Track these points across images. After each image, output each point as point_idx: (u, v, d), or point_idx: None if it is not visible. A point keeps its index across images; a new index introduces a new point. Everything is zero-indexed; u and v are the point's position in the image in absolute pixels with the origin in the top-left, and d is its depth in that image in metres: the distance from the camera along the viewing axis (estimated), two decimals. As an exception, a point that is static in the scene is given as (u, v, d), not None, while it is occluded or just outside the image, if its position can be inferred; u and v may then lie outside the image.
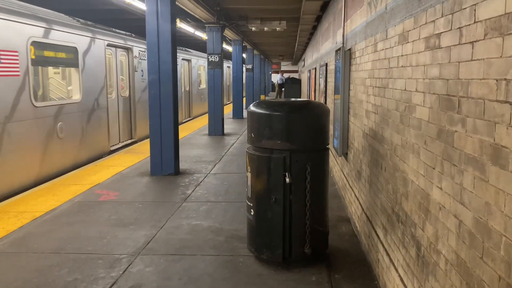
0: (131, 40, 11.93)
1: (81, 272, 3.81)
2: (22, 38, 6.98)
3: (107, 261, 4.05)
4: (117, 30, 11.53)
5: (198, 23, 12.11)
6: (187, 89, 18.04)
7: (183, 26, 11.89)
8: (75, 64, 8.78)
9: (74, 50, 8.71)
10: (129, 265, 3.96)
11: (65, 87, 9.24)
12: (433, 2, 2.40)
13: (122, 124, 11.37)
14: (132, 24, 13.65)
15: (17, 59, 6.82)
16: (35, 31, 7.34)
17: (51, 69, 8.72)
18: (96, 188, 6.62)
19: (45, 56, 7.87)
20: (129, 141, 11.57)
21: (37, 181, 7.28)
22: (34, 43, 7.28)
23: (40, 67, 7.92)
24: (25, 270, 3.85)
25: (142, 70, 12.25)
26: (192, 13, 10.37)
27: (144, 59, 12.03)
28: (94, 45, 9.53)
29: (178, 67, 15.92)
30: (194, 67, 18.73)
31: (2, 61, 6.49)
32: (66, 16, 8.93)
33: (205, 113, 17.02)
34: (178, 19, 10.22)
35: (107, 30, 10.65)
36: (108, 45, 10.31)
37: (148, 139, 7.67)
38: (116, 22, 13.23)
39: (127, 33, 12.23)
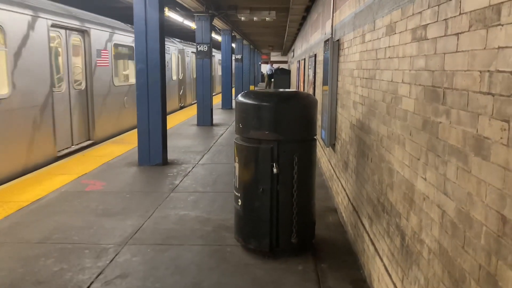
0: (90, 21, 9.84)
1: (68, 262, 3.80)
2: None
3: (93, 251, 4.03)
4: (72, 8, 9.51)
5: (187, 12, 12.00)
6: (180, 77, 18.28)
7: (171, 15, 11.77)
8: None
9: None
10: (116, 255, 3.95)
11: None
12: (420, -7, 2.40)
13: (75, 122, 9.31)
14: (121, 13, 13.47)
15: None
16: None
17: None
18: (83, 178, 6.58)
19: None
20: (86, 143, 9.54)
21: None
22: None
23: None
24: (11, 260, 3.82)
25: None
26: (180, 2, 10.27)
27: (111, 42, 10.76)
28: (30, 26, 7.46)
29: (169, 56, 16.14)
30: (187, 56, 18.95)
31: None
32: None
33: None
34: (166, 7, 10.11)
35: (54, 6, 8.51)
36: (54, 25, 8.27)
37: (110, 140, 8.06)
38: (104, 10, 13.04)
39: (88, 13, 10.25)
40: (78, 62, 9.49)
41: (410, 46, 2.57)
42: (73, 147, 9.09)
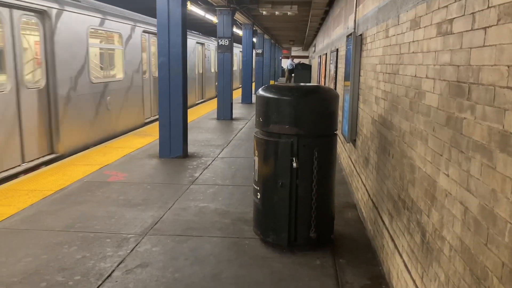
0: None
1: (90, 250, 3.89)
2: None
3: (115, 240, 4.11)
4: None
5: (209, 6, 12.04)
6: (200, 71, 18.52)
7: (193, 9, 11.83)
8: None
9: None
10: (136, 245, 4.02)
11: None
12: (446, -13, 2.36)
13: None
14: (145, 6, 13.59)
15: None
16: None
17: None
18: (105, 169, 6.69)
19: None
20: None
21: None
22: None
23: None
24: (36, 247, 3.93)
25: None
26: (203, -4, 10.31)
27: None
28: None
29: (190, 49, 16.19)
30: (207, 50, 19.27)
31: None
32: None
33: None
34: (188, 1, 10.16)
35: None
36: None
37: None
38: (129, 4, 13.18)
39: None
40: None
41: (435, 40, 2.53)
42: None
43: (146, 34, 11.98)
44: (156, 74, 12.22)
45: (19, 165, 6.84)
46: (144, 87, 11.74)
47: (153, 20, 11.76)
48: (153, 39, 12.40)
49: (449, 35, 2.30)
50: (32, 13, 7.10)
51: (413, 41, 3.01)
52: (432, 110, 2.55)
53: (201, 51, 18.55)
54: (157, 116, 11.83)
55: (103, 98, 9.43)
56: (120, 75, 10.40)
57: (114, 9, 10.18)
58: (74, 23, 8.12)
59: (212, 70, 20.41)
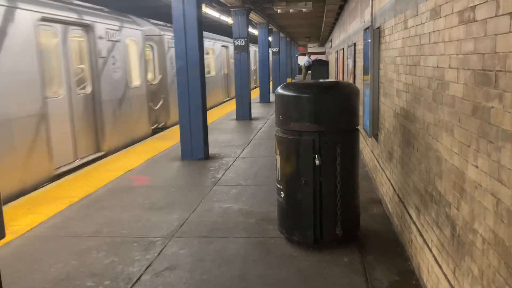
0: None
1: (118, 255, 3.94)
2: None
3: (142, 244, 4.16)
4: None
5: (224, 7, 12.07)
6: (226, 72, 19.57)
7: (208, 11, 11.87)
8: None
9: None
10: (163, 248, 4.06)
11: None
12: (467, -27, 2.30)
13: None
14: (162, 11, 13.72)
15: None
16: None
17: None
18: (129, 173, 6.78)
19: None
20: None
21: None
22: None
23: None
24: (65, 253, 4.01)
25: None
26: (217, -2, 10.34)
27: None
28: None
29: (218, 53, 17.90)
30: (231, 52, 20.17)
31: None
32: None
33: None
34: (203, 4, 10.21)
35: None
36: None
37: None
38: (144, 9, 13.33)
39: None
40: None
41: (457, 29, 2.47)
42: None
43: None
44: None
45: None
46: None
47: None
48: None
49: (472, 23, 2.25)
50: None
51: (434, 31, 2.95)
52: (457, 101, 2.50)
53: (226, 53, 19.54)
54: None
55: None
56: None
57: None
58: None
59: None
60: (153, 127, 11.23)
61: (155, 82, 11.65)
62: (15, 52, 6.16)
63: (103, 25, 8.55)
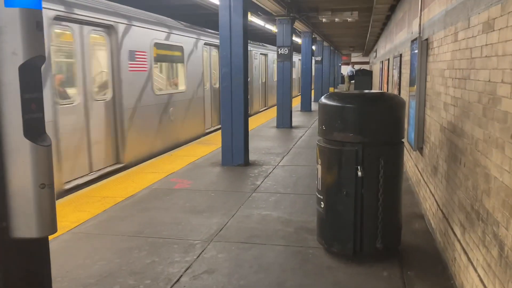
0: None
1: (158, 255, 4.04)
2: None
3: (182, 246, 4.25)
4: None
5: (269, 16, 12.18)
6: (263, 81, 19.18)
7: (254, 19, 12.02)
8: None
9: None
10: (202, 251, 4.13)
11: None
12: (524, -13, 2.24)
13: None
14: (206, 19, 14.02)
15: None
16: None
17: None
18: (171, 176, 6.94)
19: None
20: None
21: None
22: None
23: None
24: (109, 251, 4.15)
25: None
26: (263, 6, 10.45)
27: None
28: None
29: (256, 61, 17.53)
30: (270, 60, 19.93)
31: None
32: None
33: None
34: (249, 12, 10.35)
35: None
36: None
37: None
38: (190, 17, 13.66)
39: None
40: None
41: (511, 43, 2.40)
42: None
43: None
44: (216, 85, 12.75)
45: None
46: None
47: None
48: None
49: (528, 38, 2.18)
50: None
51: (486, 45, 2.88)
52: (509, 117, 2.42)
53: (264, 61, 19.30)
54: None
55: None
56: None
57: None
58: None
59: (274, 79, 20.59)
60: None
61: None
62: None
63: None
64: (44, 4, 5.93)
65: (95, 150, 7.24)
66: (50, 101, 6.03)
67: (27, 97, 2.02)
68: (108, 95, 7.71)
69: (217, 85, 12.80)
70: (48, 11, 6.07)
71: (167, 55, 10.16)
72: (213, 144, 9.75)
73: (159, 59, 9.56)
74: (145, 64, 8.73)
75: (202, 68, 11.57)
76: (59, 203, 5.54)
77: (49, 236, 2.19)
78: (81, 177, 6.84)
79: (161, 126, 9.39)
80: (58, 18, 6.31)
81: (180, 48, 10.35)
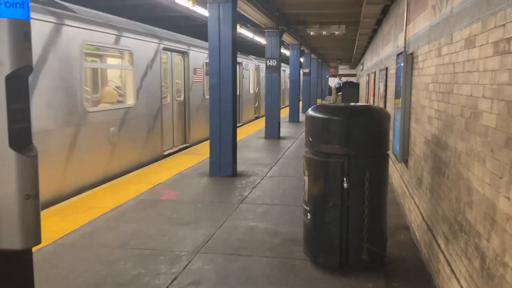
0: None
1: (144, 267, 4.01)
2: None
3: (168, 257, 4.23)
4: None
5: (257, 28, 12.29)
6: (256, 91, 19.73)
7: (243, 31, 12.12)
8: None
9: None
10: (188, 262, 4.11)
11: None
12: (503, 5, 2.32)
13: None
14: (194, 30, 14.10)
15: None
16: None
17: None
18: (158, 187, 6.91)
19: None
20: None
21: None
22: None
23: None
24: (94, 263, 4.11)
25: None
26: (251, 19, 10.55)
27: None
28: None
29: (248, 72, 18.05)
30: (262, 71, 20.30)
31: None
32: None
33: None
34: (238, 24, 10.44)
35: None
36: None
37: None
38: (178, 28, 13.72)
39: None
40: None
41: (492, 60, 2.48)
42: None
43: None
44: (181, 98, 11.10)
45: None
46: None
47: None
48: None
49: (507, 54, 2.25)
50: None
51: (468, 60, 2.96)
52: (490, 131, 2.48)
53: (257, 73, 19.80)
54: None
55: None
56: (130, 101, 11.47)
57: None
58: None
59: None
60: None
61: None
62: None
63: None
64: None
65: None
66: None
67: (14, 107, 2.01)
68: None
69: (181, 98, 11.06)
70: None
71: (105, 62, 9.28)
72: (201, 154, 9.74)
73: (92, 65, 8.33)
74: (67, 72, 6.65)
75: (159, 78, 9.57)
76: (43, 213, 5.48)
77: (33, 248, 2.17)
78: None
79: (95, 150, 7.33)
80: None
81: (128, 54, 8.45)
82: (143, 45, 8.87)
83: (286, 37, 14.37)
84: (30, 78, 8.39)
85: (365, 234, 3.79)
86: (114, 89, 9.11)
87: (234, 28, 7.40)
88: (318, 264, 4.01)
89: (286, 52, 19.16)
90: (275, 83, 12.68)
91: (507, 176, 2.20)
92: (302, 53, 19.48)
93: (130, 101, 8.53)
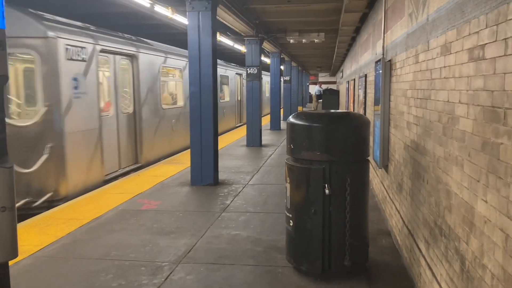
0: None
1: (125, 278, 3.94)
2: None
3: (149, 268, 4.17)
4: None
5: (238, 36, 12.33)
6: (239, 99, 20.05)
7: (223, 39, 12.14)
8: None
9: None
10: (170, 273, 4.06)
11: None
12: (476, 13, 2.38)
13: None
14: (175, 38, 14.05)
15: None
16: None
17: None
18: (139, 197, 6.83)
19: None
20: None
21: None
22: None
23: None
24: (73, 275, 4.02)
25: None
26: (231, 27, 10.58)
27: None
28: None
29: (232, 80, 18.39)
30: (245, 79, 20.16)
31: None
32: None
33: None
34: (218, 32, 10.45)
35: None
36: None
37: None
38: (158, 36, 13.66)
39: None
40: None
41: (467, 66, 2.53)
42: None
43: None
44: (129, 110, 9.59)
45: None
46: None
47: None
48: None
49: (481, 61, 2.30)
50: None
51: (445, 67, 3.02)
52: (466, 136, 2.53)
53: (239, 81, 20.08)
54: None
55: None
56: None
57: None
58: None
59: None
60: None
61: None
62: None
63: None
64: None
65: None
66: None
67: (-13, 117, 1.95)
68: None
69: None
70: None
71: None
72: (182, 163, 9.68)
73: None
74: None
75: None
76: (21, 226, 5.35)
77: (9, 261, 2.11)
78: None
79: None
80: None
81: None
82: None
83: (266, 45, 14.45)
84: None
85: (347, 240, 3.81)
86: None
87: (214, 36, 7.40)
88: (301, 271, 4.01)
89: (266, 60, 19.27)
90: (256, 90, 12.72)
91: (484, 179, 2.24)
92: (282, 61, 19.62)
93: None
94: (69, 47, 7.22)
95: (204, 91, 7.37)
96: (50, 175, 6.98)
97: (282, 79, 21.22)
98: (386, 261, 4.33)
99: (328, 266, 3.85)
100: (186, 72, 10.79)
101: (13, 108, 7.20)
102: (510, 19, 1.95)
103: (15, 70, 7.29)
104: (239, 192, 7.13)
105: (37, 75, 6.94)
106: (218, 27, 8.57)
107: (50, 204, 6.82)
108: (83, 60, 7.62)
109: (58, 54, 6.99)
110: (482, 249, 2.26)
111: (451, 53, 2.86)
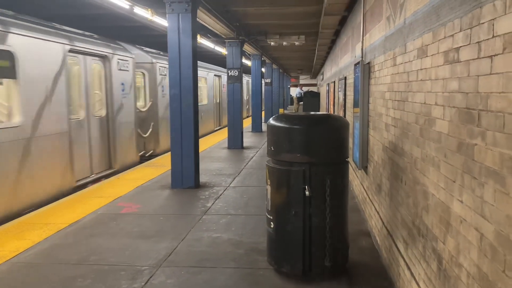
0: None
1: (104, 283, 3.89)
2: None
3: (129, 272, 4.11)
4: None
5: (218, 39, 12.31)
6: (218, 101, 19.74)
7: (203, 41, 12.10)
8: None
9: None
10: (151, 277, 4.02)
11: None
12: (451, 17, 2.42)
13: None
14: (156, 40, 13.95)
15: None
16: None
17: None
18: (118, 200, 6.74)
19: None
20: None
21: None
22: None
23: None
24: (50, 281, 3.94)
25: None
26: (212, 29, 10.56)
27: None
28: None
29: (210, 82, 18.14)
30: (223, 81, 20.46)
31: None
32: None
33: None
34: (198, 35, 10.41)
35: None
36: None
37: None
38: (139, 38, 13.55)
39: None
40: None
41: (443, 68, 2.58)
42: None
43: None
44: (101, 113, 9.23)
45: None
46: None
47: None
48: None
49: (456, 63, 2.35)
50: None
51: (421, 69, 3.07)
52: (442, 137, 2.57)
53: (218, 83, 19.86)
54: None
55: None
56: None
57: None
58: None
59: None
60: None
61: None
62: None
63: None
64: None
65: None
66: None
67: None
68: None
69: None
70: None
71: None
72: (162, 166, 9.60)
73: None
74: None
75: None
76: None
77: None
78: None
79: None
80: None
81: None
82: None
83: (247, 48, 14.47)
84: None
85: (327, 241, 3.83)
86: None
87: (194, 38, 7.37)
88: (282, 273, 4.01)
89: (247, 62, 19.29)
90: (237, 93, 12.71)
91: (460, 180, 2.28)
92: (263, 63, 19.66)
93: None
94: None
95: (185, 93, 7.33)
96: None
97: (263, 81, 21.27)
98: (366, 262, 4.37)
99: (309, 268, 3.87)
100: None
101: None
102: (483, 23, 1.99)
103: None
104: (220, 195, 7.11)
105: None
106: (199, 29, 8.54)
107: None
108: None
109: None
110: (458, 248, 2.30)
111: (427, 56, 2.91)
